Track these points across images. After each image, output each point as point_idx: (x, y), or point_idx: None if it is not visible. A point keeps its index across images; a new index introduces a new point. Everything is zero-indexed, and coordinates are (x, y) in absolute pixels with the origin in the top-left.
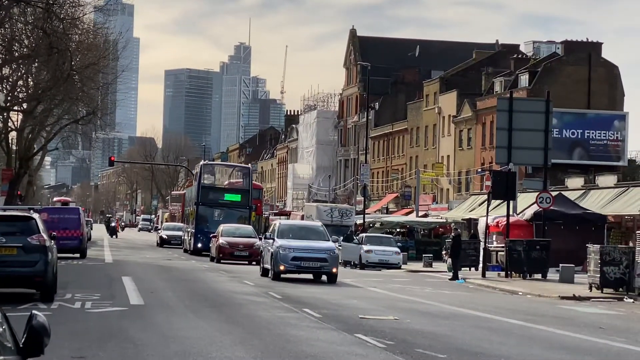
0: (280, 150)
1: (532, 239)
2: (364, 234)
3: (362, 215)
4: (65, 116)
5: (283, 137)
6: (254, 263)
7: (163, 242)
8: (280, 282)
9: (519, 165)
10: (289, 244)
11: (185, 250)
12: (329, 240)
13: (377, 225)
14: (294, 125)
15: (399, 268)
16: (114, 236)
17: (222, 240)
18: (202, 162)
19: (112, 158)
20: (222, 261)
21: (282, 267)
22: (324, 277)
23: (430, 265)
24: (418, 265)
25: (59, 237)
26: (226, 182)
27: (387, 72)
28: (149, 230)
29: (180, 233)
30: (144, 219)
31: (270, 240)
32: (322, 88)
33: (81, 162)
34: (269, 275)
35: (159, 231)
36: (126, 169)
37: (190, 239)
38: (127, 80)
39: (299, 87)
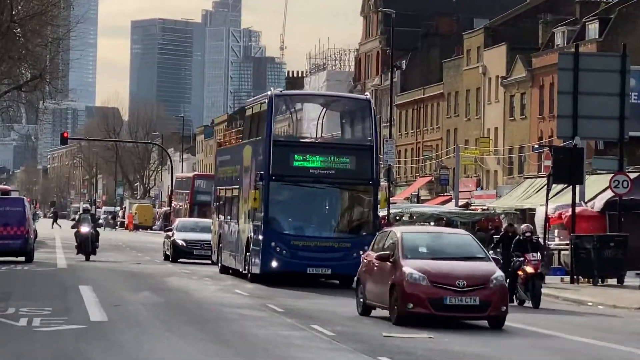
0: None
1: (605, 234)
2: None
3: (386, 206)
4: (4, 81)
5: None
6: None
7: (179, 253)
8: (282, 288)
9: (588, 139)
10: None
11: (225, 269)
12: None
13: (406, 217)
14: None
15: None
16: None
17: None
18: (271, 92)
19: (65, 134)
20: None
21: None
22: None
23: None
24: None
25: None
26: (320, 135)
27: (417, 22)
28: (113, 227)
29: (209, 237)
30: (106, 212)
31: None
32: (334, 42)
33: (25, 140)
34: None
35: (171, 233)
36: (83, 148)
37: (249, 251)
38: (83, 35)
39: (304, 41)
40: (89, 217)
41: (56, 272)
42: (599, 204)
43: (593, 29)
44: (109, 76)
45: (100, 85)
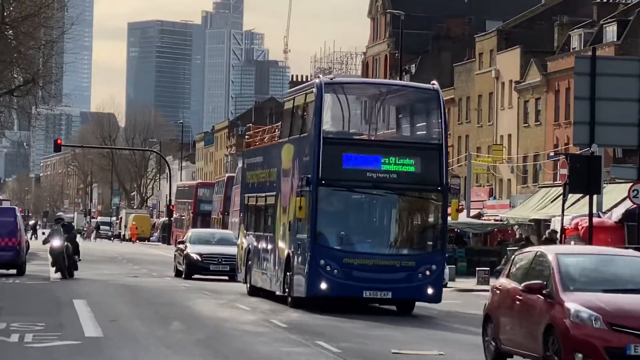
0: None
1: (624, 245)
2: None
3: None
4: None
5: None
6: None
7: (194, 269)
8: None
9: (605, 147)
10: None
11: (256, 291)
12: None
13: None
14: None
15: (445, 286)
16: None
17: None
18: (320, 80)
19: (59, 141)
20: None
21: None
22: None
23: (487, 282)
24: (470, 282)
25: None
26: (378, 131)
27: (427, 24)
28: (109, 238)
29: (230, 250)
30: (102, 223)
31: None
32: (340, 45)
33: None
34: None
35: (183, 246)
36: (77, 155)
37: (290, 271)
38: (77, 37)
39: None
40: (61, 228)
41: (49, 286)
42: (617, 214)
43: (611, 31)
44: (104, 80)
45: (95, 89)
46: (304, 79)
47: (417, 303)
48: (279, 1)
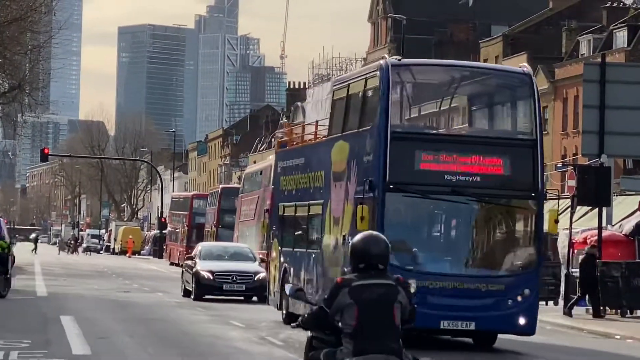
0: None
1: (634, 260)
2: None
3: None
4: None
5: (284, 119)
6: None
7: (205, 288)
8: (279, 322)
9: (615, 157)
10: None
11: (294, 319)
12: None
13: None
14: (299, 103)
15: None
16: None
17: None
18: (386, 61)
19: (46, 150)
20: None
21: None
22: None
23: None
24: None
25: None
26: (456, 124)
27: (430, 28)
28: (98, 252)
29: (245, 266)
30: (90, 236)
31: None
32: (339, 51)
33: (2, 156)
34: None
35: (192, 262)
36: (65, 165)
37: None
38: (66, 42)
39: (307, 49)
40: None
41: (36, 301)
42: (627, 227)
43: (621, 37)
44: (93, 87)
45: (84, 97)
46: (302, 86)
47: (500, 335)
48: (275, 5)
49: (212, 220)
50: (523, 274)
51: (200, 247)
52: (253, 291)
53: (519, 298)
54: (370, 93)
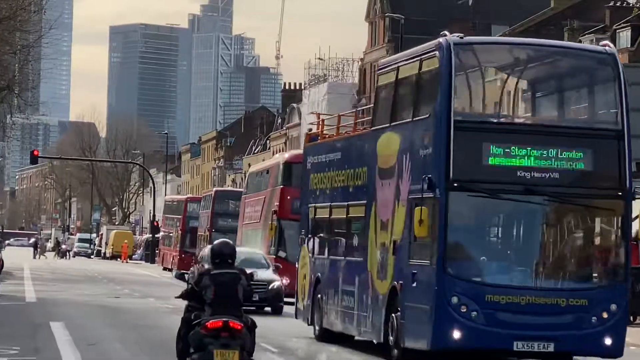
0: (275, 139)
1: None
2: None
3: None
4: None
5: (279, 121)
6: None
7: None
8: (274, 326)
9: None
10: None
11: (328, 335)
12: None
13: None
14: (294, 105)
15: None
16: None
17: None
18: (447, 38)
19: (36, 152)
20: None
21: None
22: None
23: None
24: None
25: None
26: (526, 113)
27: (429, 28)
28: (89, 256)
29: (264, 274)
30: (81, 240)
31: None
32: (336, 51)
33: None
34: None
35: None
36: (55, 168)
37: (399, 311)
38: (56, 42)
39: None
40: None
41: (25, 307)
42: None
43: (624, 36)
44: (84, 88)
45: (74, 97)
46: (297, 87)
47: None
48: (270, 4)
49: (205, 224)
50: (609, 286)
51: (206, 250)
52: (266, 301)
53: (605, 315)
54: (426, 76)
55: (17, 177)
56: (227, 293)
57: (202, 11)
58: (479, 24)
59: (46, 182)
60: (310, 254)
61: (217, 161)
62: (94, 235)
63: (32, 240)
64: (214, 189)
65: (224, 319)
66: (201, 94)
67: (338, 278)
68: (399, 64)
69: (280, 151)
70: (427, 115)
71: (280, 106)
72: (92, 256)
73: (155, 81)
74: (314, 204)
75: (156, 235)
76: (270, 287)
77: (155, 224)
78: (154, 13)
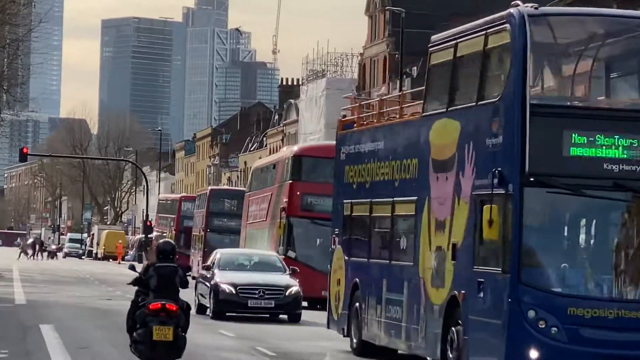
0: (272, 137)
1: None
2: None
3: None
4: None
5: (276, 117)
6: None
7: (226, 305)
8: (271, 329)
9: None
10: None
11: (366, 349)
12: None
13: None
14: (292, 101)
15: None
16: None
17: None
18: (519, 9)
19: (25, 150)
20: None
21: None
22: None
23: None
24: None
25: None
26: (609, 98)
27: (430, 22)
28: (80, 257)
29: (274, 278)
30: (71, 240)
31: None
32: (334, 45)
33: None
34: None
35: (209, 273)
36: (45, 165)
37: (460, 324)
38: (46, 36)
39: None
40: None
41: (14, 310)
42: None
43: None
44: (75, 83)
45: (65, 93)
46: (295, 82)
47: None
48: None
49: (200, 224)
50: None
51: (218, 254)
52: (283, 308)
53: None
54: (494, 53)
55: (5, 175)
56: (166, 282)
57: (197, 4)
58: (483, 17)
59: (36, 181)
60: (345, 256)
61: (212, 159)
62: (85, 235)
63: (30, 241)
64: (209, 187)
65: (162, 302)
66: (196, 89)
67: (381, 284)
68: (458, 40)
69: (277, 149)
70: (496, 99)
71: (277, 102)
72: (83, 257)
73: (149, 76)
74: (349, 200)
75: (149, 236)
76: (287, 293)
77: (148, 223)
78: (147, 6)
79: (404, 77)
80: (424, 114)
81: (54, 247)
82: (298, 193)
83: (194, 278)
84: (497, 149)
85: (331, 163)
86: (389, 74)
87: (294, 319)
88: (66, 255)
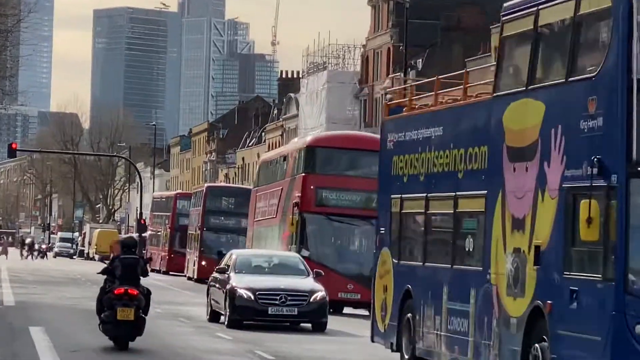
0: (271, 132)
1: None
2: None
3: None
4: None
5: (276, 112)
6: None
7: (244, 312)
8: (270, 333)
9: None
10: None
11: None
12: None
13: None
14: (292, 95)
15: None
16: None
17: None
18: None
19: (14, 145)
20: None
21: None
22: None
23: None
24: None
25: None
26: None
27: (436, 12)
28: (71, 257)
29: (296, 283)
30: (62, 239)
31: None
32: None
33: None
34: None
35: (224, 276)
36: (35, 161)
37: (546, 339)
38: (36, 26)
39: (300, 35)
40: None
41: (3, 311)
42: None
43: None
44: (66, 76)
45: (56, 86)
46: (295, 75)
47: None
48: None
49: (196, 222)
50: None
51: (234, 255)
52: (307, 316)
53: None
54: (589, 21)
55: None
56: (129, 271)
57: None
58: (490, 9)
59: (25, 177)
60: (394, 260)
61: (208, 155)
62: (76, 234)
63: (28, 240)
64: (206, 184)
65: (125, 287)
66: (192, 82)
67: (441, 292)
68: (540, 6)
69: (276, 144)
70: (593, 74)
71: (276, 96)
72: (74, 257)
73: (143, 69)
74: (399, 195)
75: (143, 234)
76: (312, 299)
77: (143, 222)
78: None
79: (409, 69)
80: (495, 94)
81: (43, 246)
82: (312, 187)
83: (189, 279)
84: (595, 133)
85: (348, 154)
86: (393, 66)
87: (319, 328)
88: (57, 255)
